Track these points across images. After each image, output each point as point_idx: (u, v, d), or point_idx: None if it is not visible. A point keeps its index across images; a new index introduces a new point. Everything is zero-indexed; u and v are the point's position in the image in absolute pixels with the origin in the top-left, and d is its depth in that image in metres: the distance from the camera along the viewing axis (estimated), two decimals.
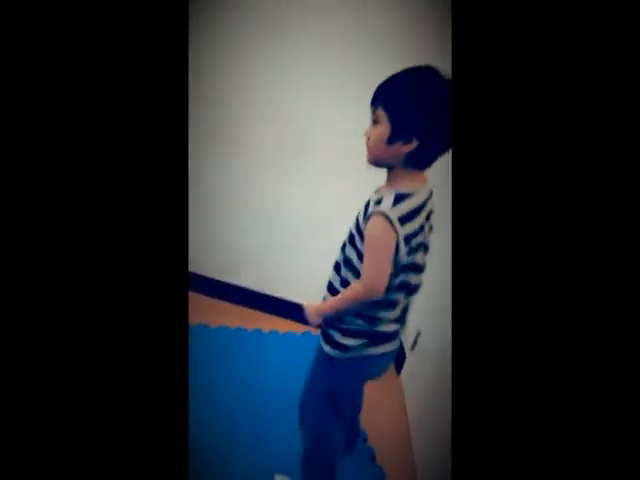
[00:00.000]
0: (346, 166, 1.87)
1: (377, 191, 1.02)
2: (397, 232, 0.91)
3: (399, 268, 0.97)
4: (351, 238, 1.04)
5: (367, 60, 1.71)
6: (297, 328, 2.21)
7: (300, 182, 2.03)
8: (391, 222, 0.91)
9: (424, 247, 1.03)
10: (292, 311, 2.22)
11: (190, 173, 1.89)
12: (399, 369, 2.05)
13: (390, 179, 1.00)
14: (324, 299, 1.15)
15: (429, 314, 1.86)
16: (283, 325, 2.22)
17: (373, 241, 0.94)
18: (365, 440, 1.60)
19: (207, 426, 1.51)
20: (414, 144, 0.90)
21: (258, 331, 2.13)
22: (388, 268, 0.94)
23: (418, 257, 1.01)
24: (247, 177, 2.07)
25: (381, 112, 0.91)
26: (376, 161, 0.99)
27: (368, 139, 0.97)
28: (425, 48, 1.63)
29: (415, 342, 1.93)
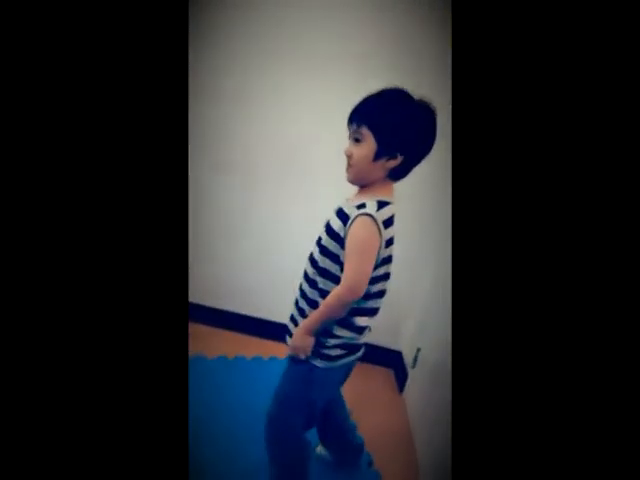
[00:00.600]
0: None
1: (350, 199, 1.04)
2: (381, 235, 0.95)
3: (377, 273, 1.00)
4: (323, 249, 1.03)
5: (368, 61, 1.72)
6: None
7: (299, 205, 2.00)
8: (377, 224, 0.94)
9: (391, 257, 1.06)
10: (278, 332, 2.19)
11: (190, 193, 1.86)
12: (401, 388, 2.01)
13: (365, 189, 1.03)
14: (292, 318, 1.14)
15: (427, 330, 1.83)
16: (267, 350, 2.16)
17: (359, 242, 0.95)
18: (371, 463, 1.55)
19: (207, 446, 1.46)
20: (399, 159, 0.96)
21: (258, 358, 2.08)
22: (370, 269, 0.96)
23: (389, 266, 1.05)
24: (246, 196, 2.04)
25: (365, 130, 0.95)
26: (360, 178, 1.01)
27: (349, 157, 0.99)
28: (425, 48, 1.66)
29: (415, 359, 1.89)
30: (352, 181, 1.03)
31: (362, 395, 1.94)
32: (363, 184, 1.02)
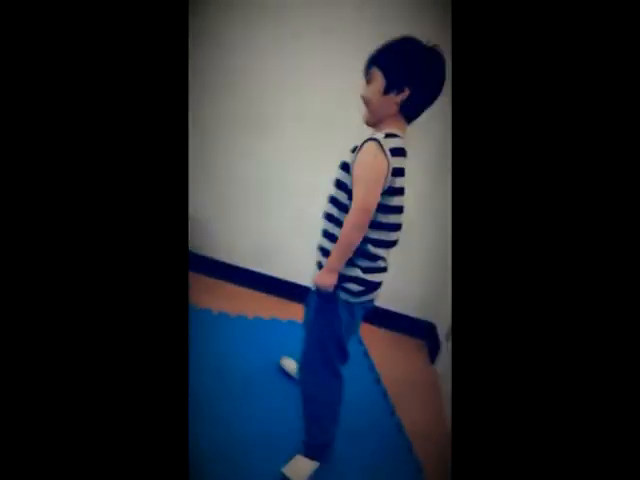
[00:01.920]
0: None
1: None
2: (388, 160, 0.99)
3: (389, 203, 1.04)
4: (337, 183, 1.09)
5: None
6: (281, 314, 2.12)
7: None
8: (383, 149, 0.99)
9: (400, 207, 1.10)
10: (291, 292, 2.20)
11: (190, 152, 1.90)
12: (433, 359, 2.00)
13: (378, 128, 1.07)
14: (319, 266, 1.16)
15: None
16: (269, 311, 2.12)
17: (366, 166, 1.00)
18: (393, 413, 1.59)
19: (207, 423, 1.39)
20: (407, 92, 1.02)
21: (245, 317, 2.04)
22: (377, 191, 1.00)
23: (401, 198, 1.08)
24: (250, 163, 2.06)
25: (375, 70, 1.04)
26: (373, 115, 1.08)
27: (364, 100, 1.08)
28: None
29: (451, 332, 1.87)
30: (368, 121, 1.09)
31: (392, 361, 1.96)
32: (378, 123, 1.08)
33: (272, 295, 2.25)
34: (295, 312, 1.94)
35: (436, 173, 1.89)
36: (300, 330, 1.34)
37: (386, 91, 1.03)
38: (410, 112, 1.07)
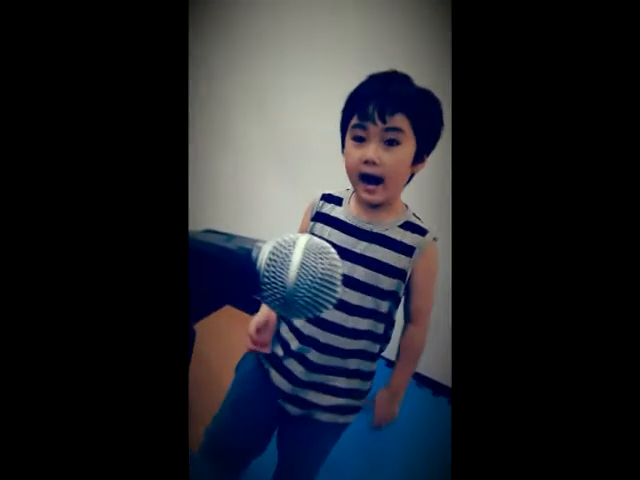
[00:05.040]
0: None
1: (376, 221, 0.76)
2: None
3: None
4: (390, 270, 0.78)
5: (368, 59, 1.66)
6: None
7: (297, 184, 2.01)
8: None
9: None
10: None
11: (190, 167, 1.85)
12: None
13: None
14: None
15: None
16: None
17: (433, 274, 0.79)
18: None
19: None
20: (425, 162, 0.71)
21: None
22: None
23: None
24: (244, 176, 2.08)
25: (405, 122, 0.65)
26: (393, 196, 0.73)
27: (377, 166, 0.67)
28: (425, 44, 1.61)
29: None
30: (382, 202, 0.71)
31: None
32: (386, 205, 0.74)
33: None
34: None
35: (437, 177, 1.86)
36: None
37: (415, 161, 0.69)
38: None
